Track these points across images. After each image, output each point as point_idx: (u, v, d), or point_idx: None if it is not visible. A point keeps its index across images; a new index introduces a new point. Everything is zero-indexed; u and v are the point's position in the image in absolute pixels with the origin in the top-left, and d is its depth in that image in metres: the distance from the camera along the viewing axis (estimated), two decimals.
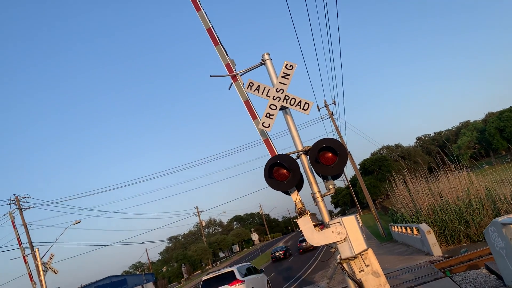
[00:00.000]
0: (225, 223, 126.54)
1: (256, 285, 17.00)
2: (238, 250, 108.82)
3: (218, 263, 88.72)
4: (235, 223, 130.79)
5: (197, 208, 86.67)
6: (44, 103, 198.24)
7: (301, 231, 6.96)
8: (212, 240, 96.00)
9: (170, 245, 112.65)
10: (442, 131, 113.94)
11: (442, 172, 20.72)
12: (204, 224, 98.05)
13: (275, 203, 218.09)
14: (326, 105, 32.85)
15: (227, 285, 15.70)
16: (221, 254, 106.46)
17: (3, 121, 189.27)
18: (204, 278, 17.05)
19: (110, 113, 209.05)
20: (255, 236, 58.87)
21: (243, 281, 15.96)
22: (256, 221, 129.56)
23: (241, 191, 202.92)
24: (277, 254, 42.88)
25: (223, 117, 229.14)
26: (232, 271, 16.35)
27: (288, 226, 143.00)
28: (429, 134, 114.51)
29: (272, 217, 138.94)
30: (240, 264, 18.08)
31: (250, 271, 17.90)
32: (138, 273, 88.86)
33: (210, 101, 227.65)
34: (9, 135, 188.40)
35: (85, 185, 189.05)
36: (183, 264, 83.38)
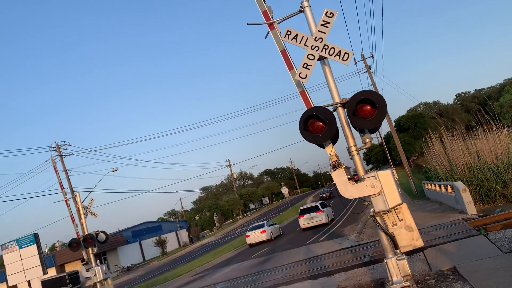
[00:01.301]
0: (256, 176, 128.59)
1: (329, 213, 28.71)
2: (268, 202, 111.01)
3: (249, 213, 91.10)
4: (265, 176, 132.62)
5: (228, 160, 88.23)
6: (86, 54, 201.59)
7: (334, 185, 6.95)
8: (243, 192, 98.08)
9: (202, 195, 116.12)
10: (484, 88, 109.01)
11: (481, 131, 20.05)
12: (235, 177, 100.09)
13: (306, 158, 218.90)
14: (363, 59, 31.85)
15: (314, 212, 27.27)
16: (251, 206, 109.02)
17: (48, 70, 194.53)
18: (301, 208, 29.38)
19: (148, 62, 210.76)
20: (285, 190, 59.73)
21: (323, 211, 27.31)
22: (286, 176, 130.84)
23: (272, 146, 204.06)
24: (324, 195, 55.74)
25: (258, 69, 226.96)
26: (317, 205, 28.02)
27: (318, 181, 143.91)
28: (469, 91, 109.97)
29: (302, 172, 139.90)
30: (319, 201, 30.38)
31: (325, 205, 29.01)
32: (172, 220, 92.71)
33: (245, 52, 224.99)
34: (54, 85, 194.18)
35: (122, 134, 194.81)
36: (215, 213, 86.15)
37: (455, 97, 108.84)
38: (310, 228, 27.48)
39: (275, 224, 31.71)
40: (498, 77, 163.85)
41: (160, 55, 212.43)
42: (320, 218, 26.95)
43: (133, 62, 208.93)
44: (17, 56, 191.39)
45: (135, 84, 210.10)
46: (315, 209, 27.46)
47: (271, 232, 28.76)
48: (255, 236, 28.25)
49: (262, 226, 28.71)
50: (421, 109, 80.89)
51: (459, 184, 15.52)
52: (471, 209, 14.47)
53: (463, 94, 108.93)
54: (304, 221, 27.65)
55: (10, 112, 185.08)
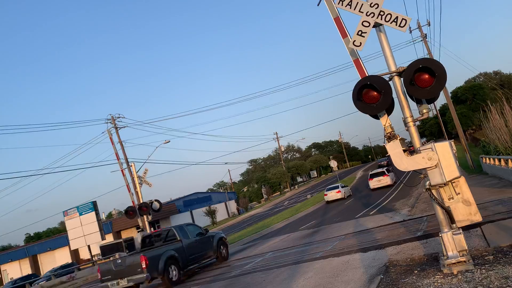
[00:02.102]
0: (304, 149, 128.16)
1: (393, 177, 33.93)
2: (316, 176, 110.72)
3: (296, 186, 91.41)
4: (313, 150, 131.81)
5: (276, 133, 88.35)
6: (145, 29, 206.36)
7: (388, 156, 6.79)
8: (291, 165, 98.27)
9: (250, 167, 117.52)
10: None
11: None
12: (283, 149, 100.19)
13: (356, 132, 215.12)
14: (419, 26, 30.31)
15: (381, 176, 32.88)
16: (299, 179, 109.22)
17: (104, 46, 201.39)
18: (370, 172, 35.29)
19: (199, 35, 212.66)
20: (333, 163, 59.05)
21: (388, 175, 32.75)
22: (335, 149, 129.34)
23: (321, 118, 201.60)
24: (382, 163, 58.42)
25: (309, 39, 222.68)
26: (383, 171, 33.33)
27: (368, 155, 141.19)
28: None
29: (351, 146, 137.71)
30: (379, 168, 37.46)
31: (389, 171, 33.88)
32: (221, 191, 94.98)
33: (296, 23, 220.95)
34: (109, 59, 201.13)
35: (173, 107, 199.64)
36: (263, 186, 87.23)
37: None
38: (378, 188, 33.03)
39: (347, 186, 38.20)
40: None
41: (219, 27, 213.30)
42: (386, 180, 32.55)
43: (192, 35, 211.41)
44: (77, 31, 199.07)
45: (192, 57, 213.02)
46: (382, 174, 33.23)
47: (344, 192, 34.24)
48: (332, 195, 33.96)
49: (337, 187, 34.42)
50: (480, 79, 76.42)
51: None
52: None
53: None
54: (373, 183, 33.37)
55: (72, 85, 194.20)
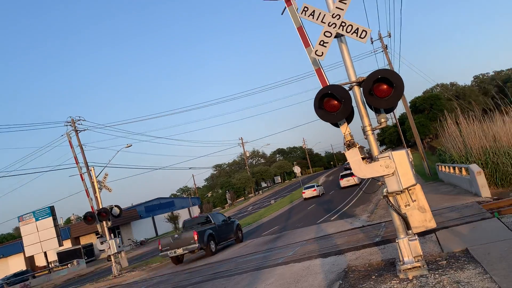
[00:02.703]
0: (268, 155, 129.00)
1: (358, 178, 35.64)
2: (280, 181, 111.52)
3: (260, 192, 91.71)
4: (278, 155, 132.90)
5: (241, 139, 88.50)
6: (101, 31, 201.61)
7: (348, 164, 6.94)
8: (255, 170, 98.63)
9: (215, 172, 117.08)
10: (503, 70, 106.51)
11: (498, 114, 19.71)
12: (248, 155, 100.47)
13: (319, 138, 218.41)
14: (380, 38, 31.26)
15: (350, 177, 38.59)
16: (263, 184, 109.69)
17: (62, 47, 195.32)
18: (341, 174, 42.29)
19: (162, 41, 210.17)
20: (297, 169, 59.79)
21: (355, 176, 27.25)
22: (299, 155, 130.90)
23: (286, 125, 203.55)
24: (348, 165, 68.42)
25: (273, 47, 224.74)
26: (351, 172, 34.23)
27: (330, 161, 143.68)
28: (488, 73, 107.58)
29: (315, 152, 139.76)
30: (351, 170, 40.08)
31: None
32: (185, 196, 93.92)
33: (260, 30, 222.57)
34: (68, 60, 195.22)
35: (136, 111, 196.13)
36: (227, 191, 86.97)
37: (472, 79, 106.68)
38: (347, 187, 39.48)
39: (321, 185, 45.52)
40: None
41: (181, 34, 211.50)
42: (354, 180, 38.49)
43: (146, 36, 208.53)
44: (36, 32, 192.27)
45: (152, 59, 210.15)
46: (350, 174, 38.39)
47: (319, 190, 40.47)
48: (309, 193, 39.94)
49: (313, 186, 41.01)
50: (438, 90, 79.57)
51: (474, 167, 15.35)
52: (485, 192, 14.34)
53: (481, 76, 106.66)
54: (343, 183, 40.29)
55: (30, 88, 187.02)
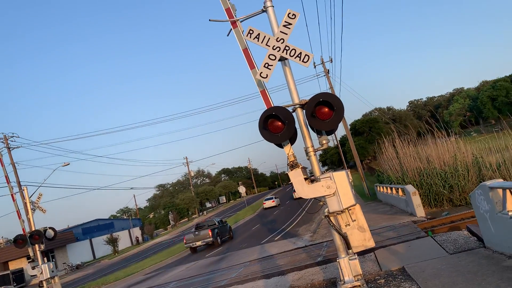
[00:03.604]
0: (213, 174, 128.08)
1: (278, 201, 50.19)
2: (224, 201, 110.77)
3: (205, 212, 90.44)
4: (223, 175, 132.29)
5: (186, 158, 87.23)
6: (37, 41, 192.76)
7: (291, 185, 7.03)
8: (200, 191, 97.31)
9: (158, 192, 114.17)
10: (435, 97, 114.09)
11: (431, 137, 20.95)
12: (192, 175, 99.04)
13: (264, 158, 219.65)
14: (322, 62, 32.43)
15: (270, 201, 48.89)
16: (208, 204, 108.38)
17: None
18: (265, 199, 51.51)
19: (103, 56, 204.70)
20: (242, 189, 59.72)
21: (275, 200, 48.73)
22: (244, 175, 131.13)
23: (231, 145, 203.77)
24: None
25: (218, 68, 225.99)
26: (272, 197, 51.31)
27: (275, 181, 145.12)
28: (421, 99, 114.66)
29: (259, 172, 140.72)
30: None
31: (276, 197, 52.09)
32: (125, 217, 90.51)
33: (206, 50, 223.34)
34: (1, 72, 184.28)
35: (75, 128, 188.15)
36: (170, 212, 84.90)
37: (408, 104, 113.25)
38: (269, 207, 48.15)
39: (278, 197, 53.20)
40: (448, 86, 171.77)
41: (120, 49, 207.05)
42: (275, 203, 48.42)
43: (94, 55, 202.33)
44: None
45: (92, 77, 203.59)
46: (271, 198, 49.65)
47: (277, 201, 49.41)
48: (269, 203, 48.63)
49: (272, 198, 49.86)
50: (376, 114, 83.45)
51: (410, 188, 16.12)
52: (420, 212, 15.07)
53: (415, 101, 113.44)
54: (266, 205, 48.96)
55: None
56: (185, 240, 26.06)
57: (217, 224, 27.60)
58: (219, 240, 26.35)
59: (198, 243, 25.45)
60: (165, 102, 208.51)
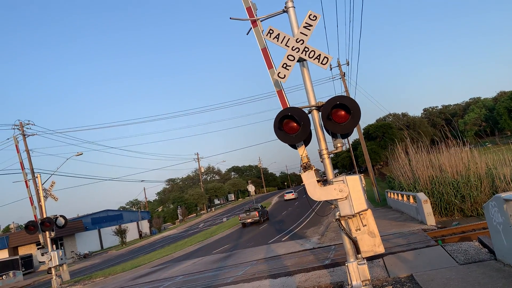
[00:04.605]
0: (223, 172, 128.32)
1: (296, 195, 60.07)
2: (233, 199, 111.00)
3: (213, 209, 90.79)
4: (232, 173, 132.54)
5: (197, 154, 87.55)
6: (55, 30, 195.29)
7: (303, 185, 7.02)
8: (209, 187, 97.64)
9: (167, 186, 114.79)
10: (451, 105, 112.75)
11: (444, 146, 20.74)
12: (202, 171, 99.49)
13: (274, 158, 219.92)
14: (339, 65, 32.29)
15: (290, 194, 60.51)
16: (216, 201, 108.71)
17: (12, 46, 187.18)
18: (285, 192, 66.62)
19: (125, 51, 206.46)
20: (251, 188, 59.70)
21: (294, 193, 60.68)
22: (254, 174, 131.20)
23: (243, 143, 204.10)
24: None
25: (233, 66, 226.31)
26: (291, 190, 67.65)
27: (284, 182, 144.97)
28: (436, 107, 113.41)
29: (269, 172, 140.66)
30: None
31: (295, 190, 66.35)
32: (134, 210, 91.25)
33: (225, 48, 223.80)
34: (21, 61, 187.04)
35: (90, 119, 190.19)
36: (179, 206, 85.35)
37: (422, 111, 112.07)
38: (289, 199, 57.40)
39: (296, 191, 63.11)
40: (464, 95, 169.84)
41: (141, 45, 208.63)
42: (294, 196, 57.67)
43: (117, 49, 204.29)
44: None
45: (111, 67, 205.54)
46: (291, 191, 59.63)
47: (296, 194, 58.71)
48: (289, 196, 58.74)
49: (292, 191, 60.54)
50: (390, 119, 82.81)
51: (421, 195, 15.98)
52: (431, 220, 14.94)
53: (430, 109, 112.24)
54: (286, 197, 58.53)
55: None
56: (240, 218, 35.65)
57: (260, 208, 37.91)
58: (262, 220, 35.92)
59: (249, 220, 35.13)
60: (180, 98, 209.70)
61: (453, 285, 6.75)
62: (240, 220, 35.58)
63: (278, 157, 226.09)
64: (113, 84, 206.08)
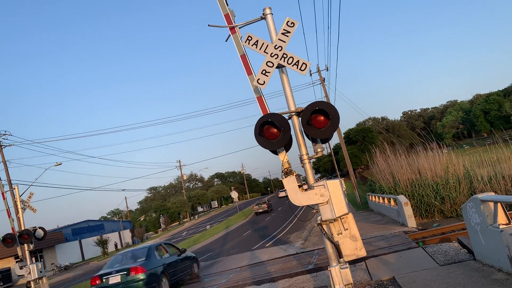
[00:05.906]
0: (206, 179, 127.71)
1: (270, 205, 54.65)
2: (216, 206, 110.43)
3: (196, 216, 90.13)
4: (216, 179, 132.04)
5: (179, 161, 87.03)
6: (33, 41, 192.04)
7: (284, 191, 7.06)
8: (192, 194, 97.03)
9: (149, 195, 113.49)
10: (429, 108, 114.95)
11: (423, 149, 21.10)
12: (185, 178, 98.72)
13: (257, 164, 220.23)
14: (318, 71, 32.59)
15: (264, 204, 51.85)
16: (200, 209, 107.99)
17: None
18: (256, 202, 61.22)
19: (100, 59, 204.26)
20: (234, 194, 59.62)
21: (267, 204, 52.83)
22: (237, 180, 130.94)
23: (225, 149, 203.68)
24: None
25: (214, 72, 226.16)
26: (265, 200, 57.13)
27: (267, 187, 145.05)
28: (415, 110, 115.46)
29: (252, 177, 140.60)
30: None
31: (269, 200, 57.32)
32: (115, 219, 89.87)
33: (203, 55, 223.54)
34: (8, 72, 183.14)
35: (68, 128, 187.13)
36: (161, 215, 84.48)
37: (401, 115, 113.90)
38: (261, 213, 50.45)
39: (271, 202, 60.80)
40: (442, 98, 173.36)
41: (118, 53, 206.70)
42: (266, 208, 51.03)
43: (92, 57, 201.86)
44: None
45: (89, 75, 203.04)
46: (264, 202, 52.21)
47: (269, 206, 54.94)
48: (261, 208, 52.65)
49: (265, 202, 54.15)
50: (370, 123, 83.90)
51: (402, 198, 16.18)
52: (412, 222, 15.13)
53: (409, 112, 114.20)
54: (256, 209, 51.12)
55: None
56: (254, 208, 48.19)
57: (267, 201, 50.78)
58: (270, 209, 48.70)
59: (260, 210, 48.20)
60: (160, 105, 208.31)
61: (434, 286, 6.84)
62: (254, 210, 49.48)
63: (260, 162, 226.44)
64: (92, 93, 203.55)
